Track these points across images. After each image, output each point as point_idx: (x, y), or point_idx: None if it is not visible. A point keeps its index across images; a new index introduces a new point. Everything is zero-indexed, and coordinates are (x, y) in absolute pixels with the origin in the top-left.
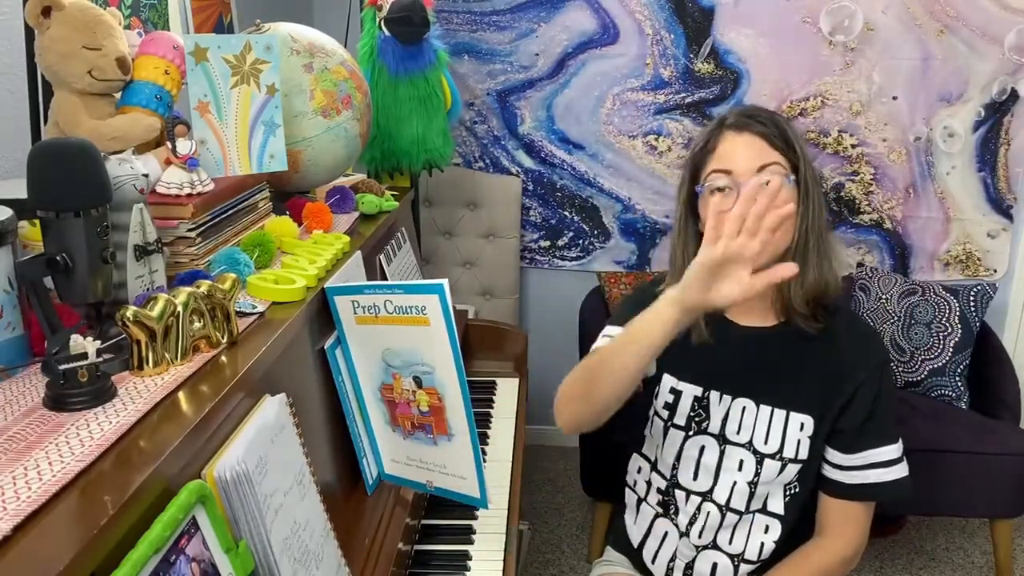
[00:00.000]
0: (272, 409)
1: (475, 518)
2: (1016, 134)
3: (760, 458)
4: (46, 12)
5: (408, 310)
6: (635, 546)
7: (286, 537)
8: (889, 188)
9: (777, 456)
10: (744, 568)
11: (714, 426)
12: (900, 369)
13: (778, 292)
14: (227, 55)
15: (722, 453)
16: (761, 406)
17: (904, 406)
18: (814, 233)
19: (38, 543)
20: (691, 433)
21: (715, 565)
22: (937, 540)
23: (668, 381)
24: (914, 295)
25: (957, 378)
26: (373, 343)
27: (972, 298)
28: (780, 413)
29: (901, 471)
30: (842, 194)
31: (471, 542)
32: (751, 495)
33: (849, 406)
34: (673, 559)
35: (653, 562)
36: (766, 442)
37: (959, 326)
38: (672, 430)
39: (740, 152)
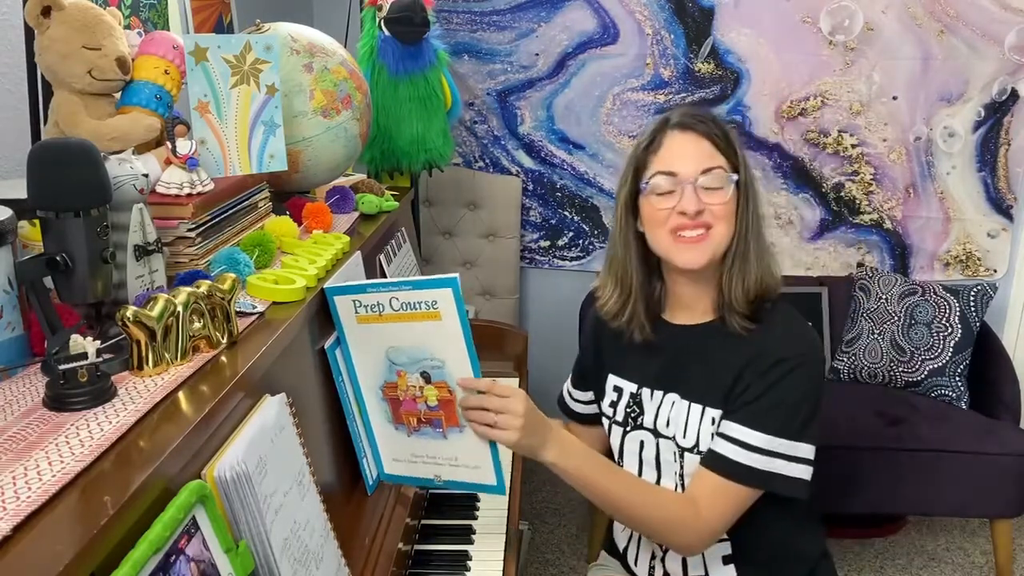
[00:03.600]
0: (272, 409)
1: (475, 518)
2: (1016, 134)
3: (681, 452)
4: (46, 12)
5: (417, 306)
6: (620, 550)
7: (286, 537)
8: (889, 188)
9: (695, 450)
10: (711, 548)
11: (648, 421)
12: (900, 369)
13: (718, 291)
14: (227, 55)
15: (657, 447)
16: (684, 401)
17: (904, 406)
18: (753, 233)
19: (38, 543)
20: (628, 429)
21: (685, 559)
22: (937, 540)
23: (612, 380)
24: (914, 295)
25: (957, 378)
26: (375, 342)
27: (972, 298)
28: (696, 408)
29: (765, 464)
30: (842, 194)
31: (471, 542)
32: (683, 488)
33: (747, 390)
34: (653, 558)
35: (636, 564)
36: (684, 436)
37: (959, 326)
38: (614, 427)
39: (685, 153)
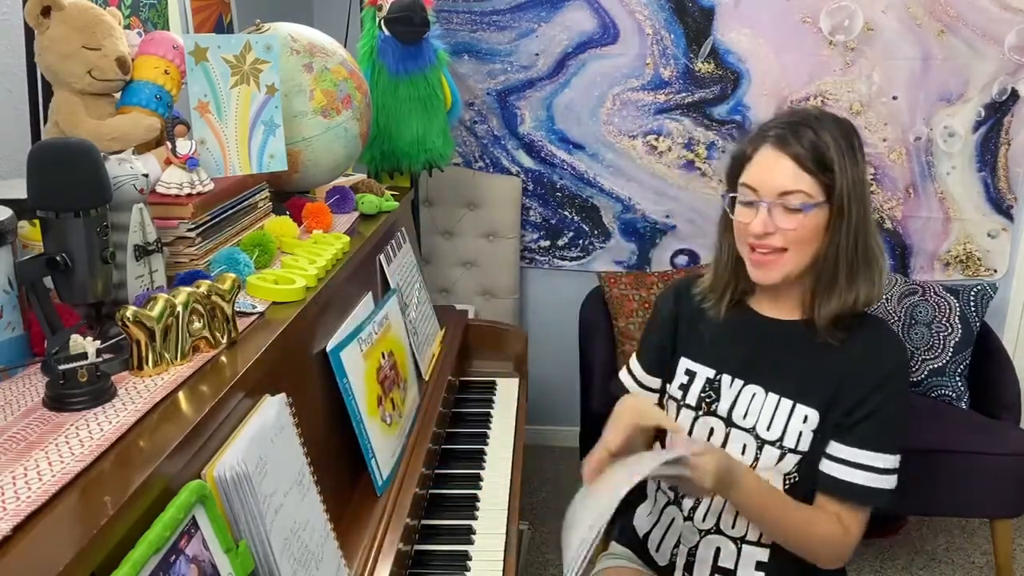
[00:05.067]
0: (272, 409)
1: (475, 518)
2: (1016, 134)
3: (760, 444)
4: (46, 12)
5: None
6: (641, 536)
7: (286, 537)
8: (889, 188)
9: (777, 444)
10: (747, 549)
11: (723, 409)
12: None
13: (803, 301)
14: (227, 55)
15: (727, 436)
16: (770, 394)
17: None
18: (845, 256)
19: (38, 543)
20: (700, 414)
21: (718, 550)
22: (937, 540)
23: (684, 363)
24: (914, 295)
25: (957, 378)
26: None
27: (972, 298)
28: (787, 403)
29: (888, 482)
30: None
31: (471, 542)
32: None
33: (859, 404)
34: (677, 546)
35: (657, 550)
36: (768, 429)
37: (959, 326)
38: (684, 410)
39: (769, 171)
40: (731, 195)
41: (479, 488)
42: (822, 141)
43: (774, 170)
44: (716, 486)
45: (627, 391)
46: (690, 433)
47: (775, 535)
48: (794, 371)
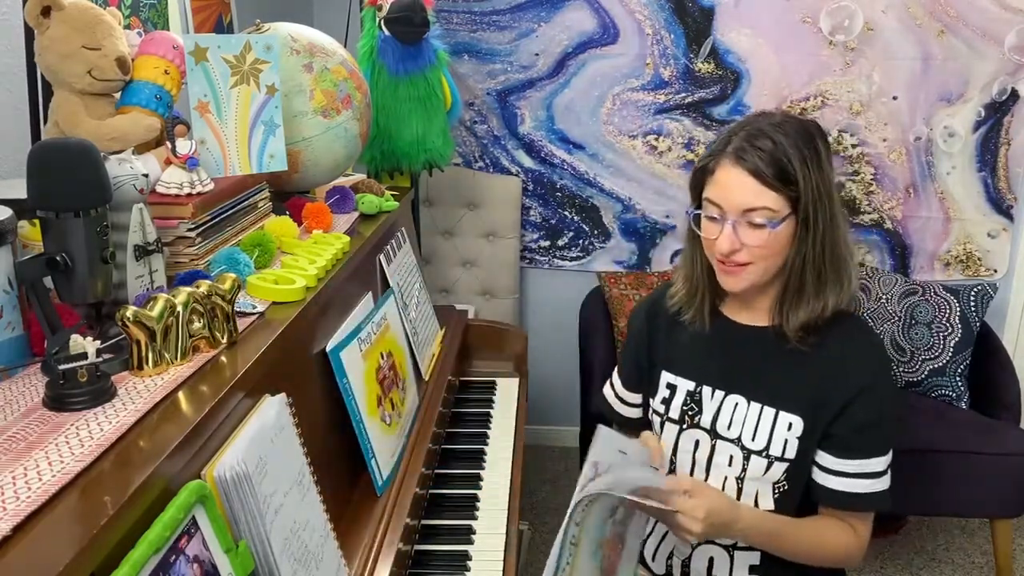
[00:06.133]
0: (272, 409)
1: (475, 518)
2: (1016, 134)
3: (747, 454)
4: (46, 12)
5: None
6: None
7: (286, 537)
8: (889, 188)
9: (764, 453)
10: (740, 556)
11: (706, 420)
12: (900, 369)
13: (774, 307)
14: (227, 55)
15: (713, 448)
16: (752, 403)
17: (904, 406)
18: (812, 265)
19: (38, 543)
20: (684, 427)
21: (712, 560)
22: (937, 540)
23: (665, 377)
24: (914, 295)
25: (957, 378)
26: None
27: (972, 298)
28: (769, 411)
29: (884, 483)
30: (842, 194)
31: (471, 542)
32: (739, 491)
33: (844, 412)
34: (671, 556)
35: (653, 559)
36: (753, 439)
37: (959, 326)
38: (668, 424)
39: (731, 189)
40: (696, 212)
41: (479, 488)
42: (783, 152)
43: (735, 187)
44: (708, 531)
45: (610, 407)
46: (675, 447)
47: (789, 557)
48: (772, 378)
